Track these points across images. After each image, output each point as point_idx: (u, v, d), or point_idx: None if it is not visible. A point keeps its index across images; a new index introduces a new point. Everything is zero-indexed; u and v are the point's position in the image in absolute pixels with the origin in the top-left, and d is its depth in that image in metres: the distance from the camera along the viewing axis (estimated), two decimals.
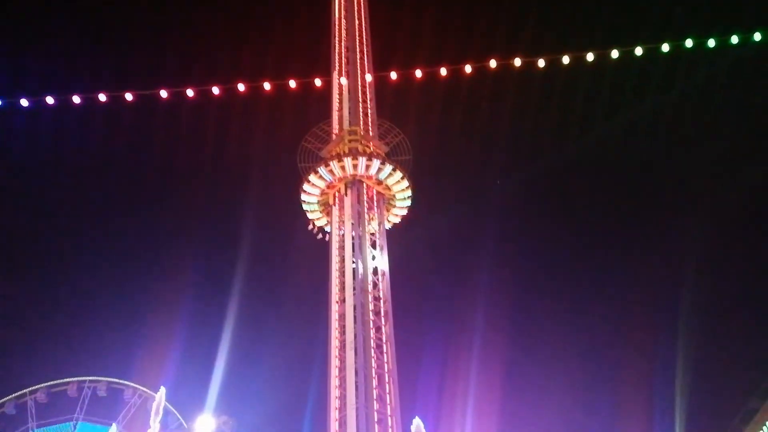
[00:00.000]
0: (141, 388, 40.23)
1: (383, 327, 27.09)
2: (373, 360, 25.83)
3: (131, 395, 41.92)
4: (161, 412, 13.16)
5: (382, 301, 28.02)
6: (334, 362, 25.92)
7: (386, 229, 31.98)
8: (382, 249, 30.43)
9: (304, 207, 32.69)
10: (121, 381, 44.25)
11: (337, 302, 27.60)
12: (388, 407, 25.07)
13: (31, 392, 43.77)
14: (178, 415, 28.06)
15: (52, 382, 44.81)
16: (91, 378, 45.33)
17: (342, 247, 29.81)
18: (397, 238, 33.24)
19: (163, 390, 13.30)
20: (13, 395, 43.56)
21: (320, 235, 32.73)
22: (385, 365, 25.94)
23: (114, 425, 37.56)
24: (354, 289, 27.65)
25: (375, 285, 28.59)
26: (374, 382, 25.30)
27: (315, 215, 32.94)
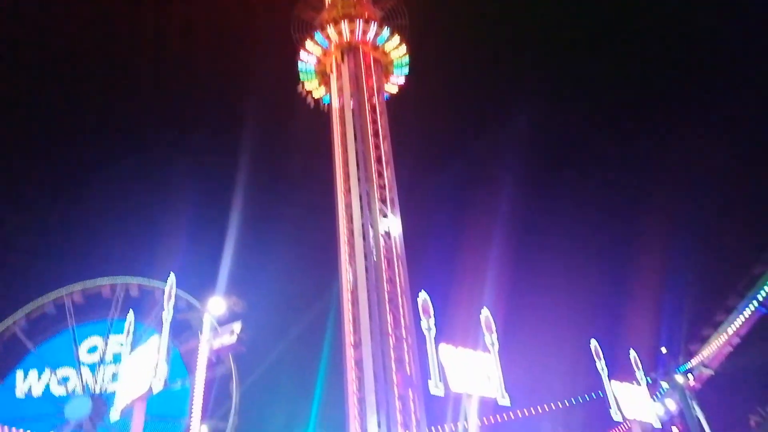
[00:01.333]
0: (183, 296, 42.27)
1: (389, 213, 27.68)
2: (382, 247, 26.65)
3: (161, 295, 44.49)
4: (173, 296, 14.06)
5: (387, 189, 28.38)
6: (344, 248, 26.82)
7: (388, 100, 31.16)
8: (381, 115, 29.96)
9: (301, 77, 31.80)
10: (151, 282, 46.82)
11: (344, 192, 28.06)
12: (398, 288, 26.15)
13: (68, 293, 46.84)
14: (189, 298, 29.98)
15: (86, 283, 47.76)
16: (122, 280, 48.08)
17: (343, 118, 29.45)
18: (397, 111, 32.56)
19: (172, 276, 14.13)
20: (52, 295, 46.69)
21: (312, 104, 31.94)
22: (394, 249, 26.75)
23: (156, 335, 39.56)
24: (359, 178, 27.99)
25: (379, 174, 28.82)
26: (384, 266, 26.28)
27: (312, 86, 32.06)
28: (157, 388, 12.21)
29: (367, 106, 29.37)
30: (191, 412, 13.97)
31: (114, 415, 14.64)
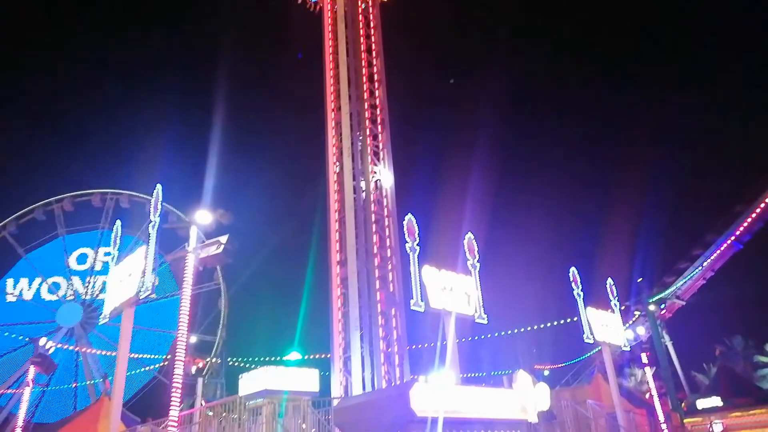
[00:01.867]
0: (170, 208, 41.93)
1: (380, 134, 27.48)
2: (371, 168, 26.65)
3: (150, 208, 44.59)
4: (160, 205, 14.12)
5: (378, 109, 27.99)
6: (332, 168, 26.79)
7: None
8: (375, 30, 28.94)
9: None
10: (141, 194, 46.88)
11: (333, 110, 27.66)
12: (385, 209, 26.43)
13: (58, 200, 46.87)
14: (175, 211, 30.25)
15: (76, 192, 47.66)
16: (113, 190, 48.06)
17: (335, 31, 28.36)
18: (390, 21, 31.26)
19: (159, 186, 14.13)
20: (41, 202, 46.69)
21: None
22: (381, 189, 26.73)
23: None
24: (350, 97, 27.53)
25: (372, 93, 28.31)
26: (372, 187, 26.39)
27: None
28: (145, 293, 12.49)
29: (361, 18, 28.25)
30: (180, 323, 14.38)
31: (102, 319, 15.02)
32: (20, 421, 21.17)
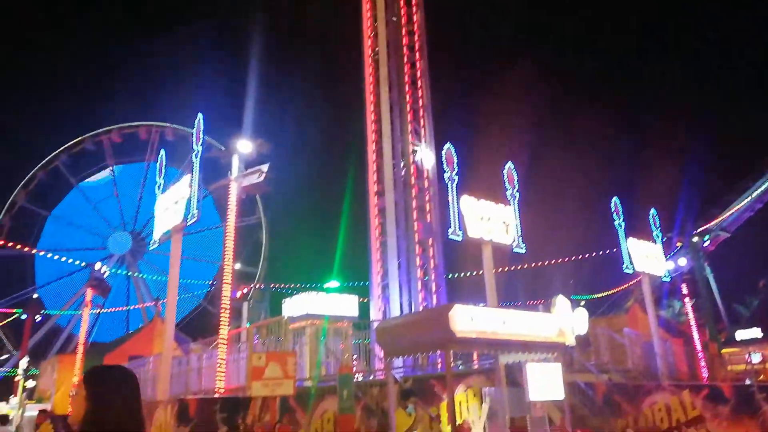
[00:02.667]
0: (212, 141, 42.19)
1: (417, 62, 26.77)
2: (407, 95, 26.20)
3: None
4: (201, 135, 14.34)
5: (416, 35, 27.16)
6: (370, 98, 26.43)
7: None
8: None
9: None
10: (185, 128, 47.63)
11: (370, 38, 27.00)
12: (423, 140, 26.14)
13: (106, 132, 48.29)
14: (216, 144, 30.66)
15: (124, 124, 48.92)
16: (158, 123, 49.00)
17: None
18: None
19: (200, 116, 14.30)
20: (91, 133, 48.19)
21: None
22: (420, 100, 26.28)
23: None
24: (387, 23, 26.76)
25: (409, 18, 27.40)
26: (409, 117, 26.05)
27: None
28: (191, 219, 12.93)
29: None
30: (225, 248, 14.91)
31: (153, 245, 15.68)
32: (81, 339, 22.71)
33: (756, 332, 37.23)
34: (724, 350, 31.26)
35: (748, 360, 27.42)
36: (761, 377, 24.81)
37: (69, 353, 36.14)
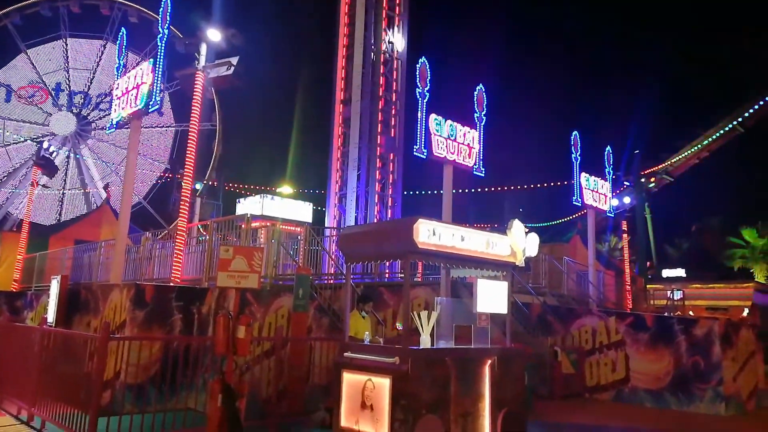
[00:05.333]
0: (173, 30, 39.35)
1: None
2: (384, 1, 25.28)
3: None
4: (168, 17, 13.55)
5: None
6: (344, 9, 25.33)
7: None
8: None
9: None
10: (150, 12, 44.32)
11: None
12: (395, 51, 25.56)
13: None
14: (176, 31, 29.13)
15: None
16: (123, 0, 45.35)
17: None
18: None
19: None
20: None
21: None
22: (396, 7, 25.43)
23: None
24: None
25: None
26: (383, 25, 25.27)
27: None
28: (153, 107, 12.51)
29: None
30: (189, 139, 14.53)
31: (109, 129, 15.14)
32: (27, 219, 22.17)
33: (680, 272, 40.10)
34: (649, 285, 33.64)
35: (670, 296, 29.69)
36: (678, 312, 27.01)
37: (9, 231, 35.26)
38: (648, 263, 40.94)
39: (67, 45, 48.18)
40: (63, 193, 47.67)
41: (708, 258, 45.56)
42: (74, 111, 48.80)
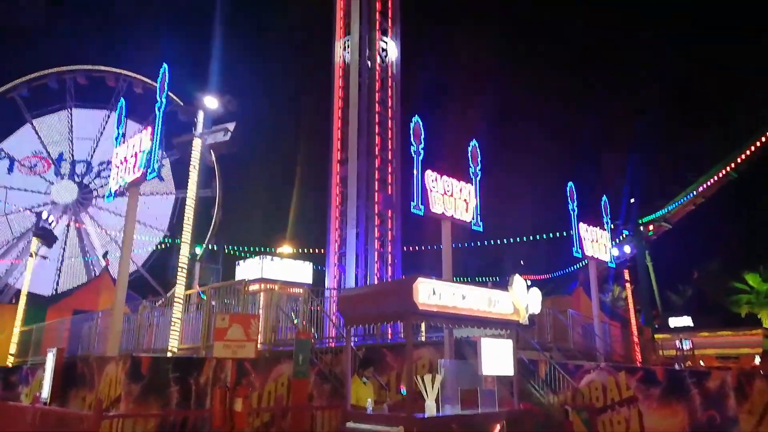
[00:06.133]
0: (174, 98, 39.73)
1: (389, 30, 26.49)
2: (377, 63, 25.98)
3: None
4: (166, 86, 13.86)
5: (390, 7, 26.80)
6: (338, 62, 26.08)
7: None
8: None
9: None
10: (155, 83, 45.58)
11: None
12: (389, 110, 26.08)
13: (72, 71, 45.76)
14: (175, 98, 29.66)
15: (93, 66, 46.43)
16: (129, 73, 46.66)
17: None
18: None
19: (165, 66, 13.78)
20: (56, 69, 45.60)
21: None
22: (389, 70, 26.12)
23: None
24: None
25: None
26: (377, 86, 25.88)
27: None
28: (151, 174, 12.60)
29: None
30: (187, 206, 14.58)
31: (107, 198, 15.21)
32: (25, 290, 21.94)
33: (687, 320, 39.47)
34: (657, 336, 33.04)
35: (679, 346, 29.09)
36: (689, 363, 26.40)
37: (8, 303, 34.89)
38: (653, 312, 40.41)
39: (71, 115, 49.20)
40: (61, 263, 47.49)
41: (713, 304, 45.01)
42: (76, 180, 49.29)
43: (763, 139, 40.30)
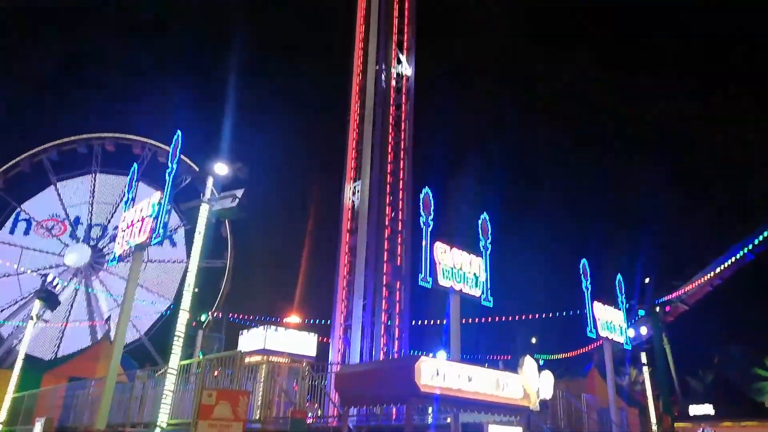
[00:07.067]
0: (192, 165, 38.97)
1: (403, 105, 27.06)
2: (390, 136, 26.35)
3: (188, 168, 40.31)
4: (178, 152, 13.97)
5: (404, 78, 27.57)
6: (352, 135, 26.49)
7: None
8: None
9: None
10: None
11: (358, 75, 27.27)
12: (400, 181, 26.17)
13: (100, 138, 47.34)
14: (192, 164, 30.01)
15: (119, 134, 47.98)
16: (152, 142, 48.06)
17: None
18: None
19: (178, 133, 13.96)
20: (85, 135, 47.14)
21: None
22: (401, 142, 26.44)
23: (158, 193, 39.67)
24: (377, 63, 27.07)
25: (399, 61, 27.84)
26: (389, 158, 26.13)
27: None
28: (156, 239, 12.44)
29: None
30: (189, 272, 14.35)
31: (112, 261, 15.03)
32: (22, 354, 21.44)
33: (708, 409, 37.48)
34: (677, 424, 31.30)
35: None
36: None
37: (8, 368, 34.12)
38: (672, 398, 38.51)
39: (95, 180, 50.19)
40: (64, 327, 46.95)
41: (735, 391, 42.87)
42: (90, 243, 49.59)
43: None
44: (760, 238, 39.18)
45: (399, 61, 27.84)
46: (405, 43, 28.06)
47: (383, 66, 27.17)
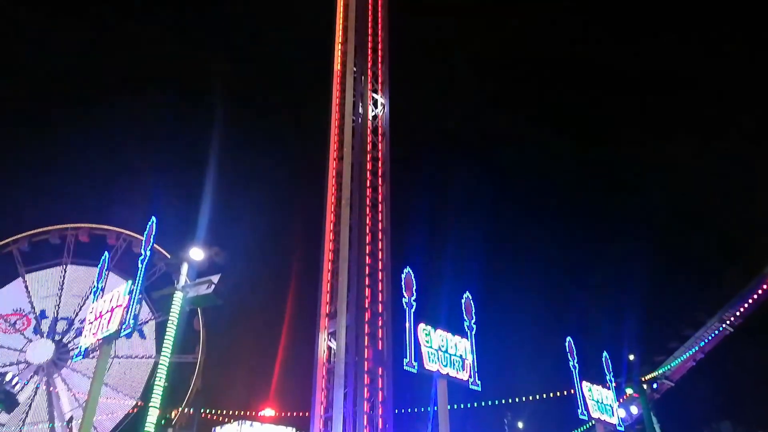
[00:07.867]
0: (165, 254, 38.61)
1: (380, 187, 27.27)
2: (367, 218, 26.32)
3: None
4: (152, 240, 13.57)
5: (380, 162, 27.99)
6: (330, 217, 26.36)
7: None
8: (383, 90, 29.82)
9: None
10: (155, 245, 45.55)
11: (335, 159, 27.58)
12: (380, 262, 25.85)
13: (75, 228, 46.20)
14: (165, 253, 29.15)
15: (93, 225, 46.93)
16: (127, 232, 47.09)
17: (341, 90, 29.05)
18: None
19: (153, 220, 13.63)
20: (58, 226, 45.98)
21: None
22: (379, 223, 26.38)
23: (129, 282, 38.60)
24: (353, 147, 27.51)
25: (374, 145, 28.40)
26: (367, 239, 25.95)
27: None
28: (125, 331, 11.77)
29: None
30: (160, 365, 13.54)
31: (77, 356, 14.14)
32: None
33: None
34: None
35: None
36: None
37: None
38: None
39: (65, 272, 48.50)
40: (21, 429, 43.60)
41: None
42: (55, 338, 47.22)
43: (755, 296, 40.21)
44: (737, 313, 39.45)
45: (374, 146, 28.41)
46: (380, 128, 28.83)
47: (360, 149, 27.67)
